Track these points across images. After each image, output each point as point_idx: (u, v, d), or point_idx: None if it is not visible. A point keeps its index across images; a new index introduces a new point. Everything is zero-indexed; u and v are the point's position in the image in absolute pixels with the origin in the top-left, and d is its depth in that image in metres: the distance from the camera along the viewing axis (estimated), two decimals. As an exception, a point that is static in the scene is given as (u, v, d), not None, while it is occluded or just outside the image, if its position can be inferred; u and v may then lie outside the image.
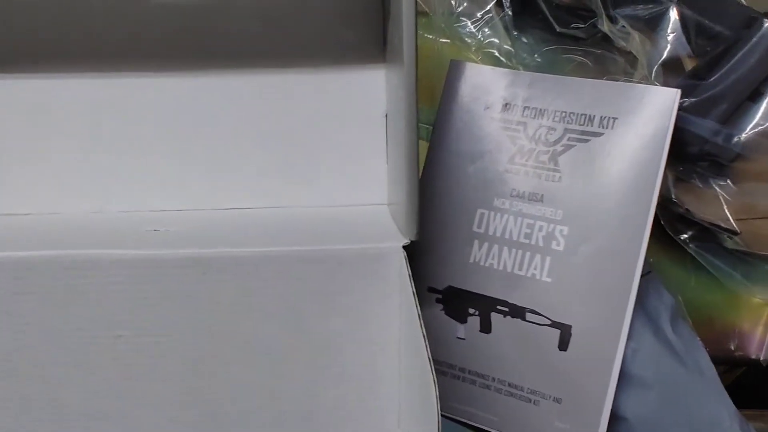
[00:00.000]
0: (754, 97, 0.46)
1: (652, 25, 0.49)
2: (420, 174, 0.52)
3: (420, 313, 0.39)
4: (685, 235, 0.51)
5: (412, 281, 0.40)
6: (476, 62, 0.53)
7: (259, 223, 0.48)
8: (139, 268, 0.42)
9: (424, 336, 0.37)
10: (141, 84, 0.48)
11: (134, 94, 0.48)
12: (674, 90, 0.45)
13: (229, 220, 0.49)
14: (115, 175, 0.49)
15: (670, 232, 0.51)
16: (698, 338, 0.48)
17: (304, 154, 0.50)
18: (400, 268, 0.42)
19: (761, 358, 0.52)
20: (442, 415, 0.49)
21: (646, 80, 0.49)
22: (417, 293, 0.50)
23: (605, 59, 0.54)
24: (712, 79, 0.46)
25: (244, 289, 0.42)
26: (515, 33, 0.54)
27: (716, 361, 0.49)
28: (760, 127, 0.46)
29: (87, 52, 0.47)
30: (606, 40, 0.53)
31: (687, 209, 0.49)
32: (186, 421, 0.44)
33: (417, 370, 0.38)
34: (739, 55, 0.46)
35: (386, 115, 0.49)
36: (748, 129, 0.46)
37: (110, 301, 0.42)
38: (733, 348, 0.52)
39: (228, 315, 0.43)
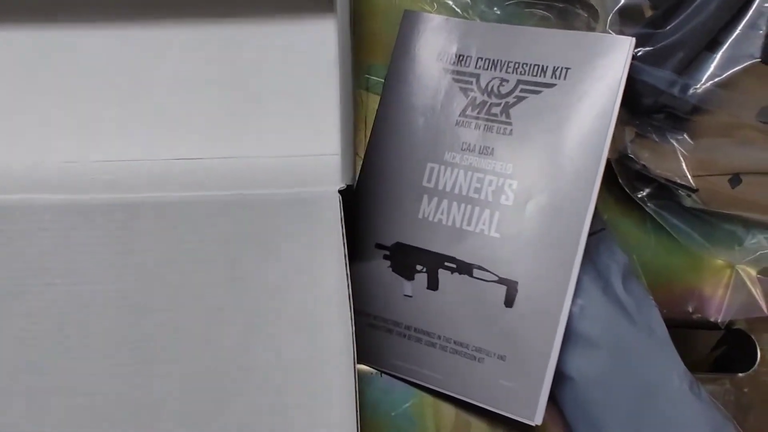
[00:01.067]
0: (712, 47, 0.44)
1: (611, -27, 0.47)
2: (372, 128, 0.51)
3: (347, 259, 0.37)
4: (643, 193, 0.50)
5: (343, 226, 0.39)
6: (432, 13, 0.52)
7: (200, 171, 0.47)
8: (69, 214, 0.40)
9: (347, 283, 0.36)
10: (79, 35, 0.47)
11: (72, 45, 0.47)
12: (628, 38, 0.44)
13: (173, 170, 0.47)
14: (56, 125, 0.47)
15: (627, 190, 0.50)
16: (651, 297, 0.46)
17: (253, 104, 0.48)
18: (334, 213, 0.40)
19: (719, 320, 0.50)
20: (387, 374, 0.49)
21: (605, 31, 0.47)
22: (365, 250, 0.49)
23: (568, 13, 0.53)
24: (668, 27, 0.44)
25: (174, 235, 0.40)
26: (474, -16, 0.52)
27: (674, 323, 0.48)
28: (717, 78, 0.44)
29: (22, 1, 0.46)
30: (568, -7, 0.51)
31: (644, 165, 0.47)
32: (121, 371, 0.43)
33: (343, 317, 0.37)
34: (697, 2, 0.44)
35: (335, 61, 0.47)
36: (704, 79, 0.44)
37: (40, 248, 0.41)
38: (691, 310, 0.51)
39: (160, 262, 0.41)
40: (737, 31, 0.44)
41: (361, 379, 0.48)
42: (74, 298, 0.41)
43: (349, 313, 0.35)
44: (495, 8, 0.52)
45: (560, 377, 0.44)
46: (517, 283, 0.44)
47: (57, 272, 0.41)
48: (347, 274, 0.36)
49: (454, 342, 0.46)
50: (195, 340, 0.42)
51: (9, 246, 0.40)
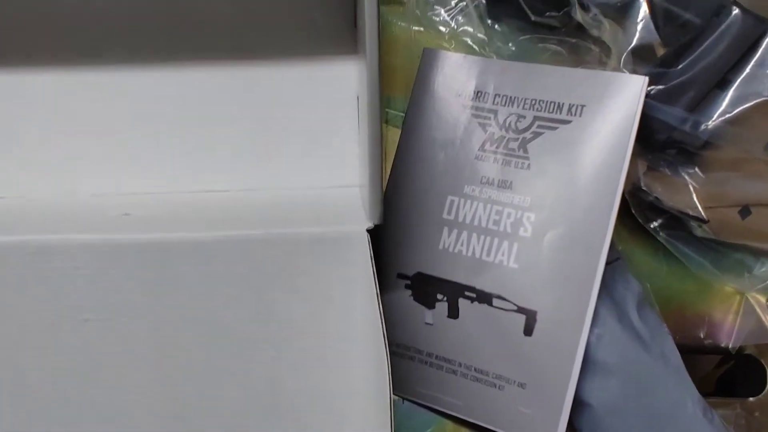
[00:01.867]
0: (722, 85, 0.46)
1: (623, 12, 0.49)
2: (392, 161, 0.53)
3: (379, 295, 0.39)
4: (655, 224, 0.51)
5: (373, 264, 0.41)
6: (450, 50, 0.53)
7: (229, 206, 0.48)
8: (104, 253, 0.42)
9: (381, 320, 0.38)
10: (112, 70, 0.49)
11: (105, 81, 0.49)
12: (642, 77, 0.45)
13: (201, 203, 0.49)
14: (88, 158, 0.49)
15: (640, 221, 0.51)
16: (665, 325, 0.48)
17: (277, 137, 0.50)
18: (363, 251, 0.42)
19: (730, 346, 0.52)
20: (409, 400, 0.50)
21: (619, 69, 0.49)
22: (386, 279, 0.51)
23: (580, 48, 0.54)
24: (680, 66, 0.46)
25: (206, 273, 0.42)
26: (489, 21, 0.54)
27: (686, 349, 0.50)
28: (727, 115, 0.46)
29: (55, 37, 0.48)
30: (580, 29, 0.52)
31: (656, 197, 0.49)
32: (152, 404, 0.44)
33: (375, 350, 0.39)
34: (708, 42, 0.46)
35: (358, 98, 0.49)
36: (715, 116, 0.46)
37: (76, 286, 0.42)
38: (702, 336, 0.53)
39: (192, 299, 0.43)
40: (746, 71, 0.46)
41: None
42: (108, 334, 0.43)
43: (384, 347, 0.36)
44: (510, 44, 0.54)
45: (578, 404, 0.45)
46: (536, 312, 0.46)
47: (91, 309, 0.42)
48: (380, 311, 0.38)
49: (475, 369, 0.48)
50: (225, 375, 0.43)
51: (46, 284, 0.42)
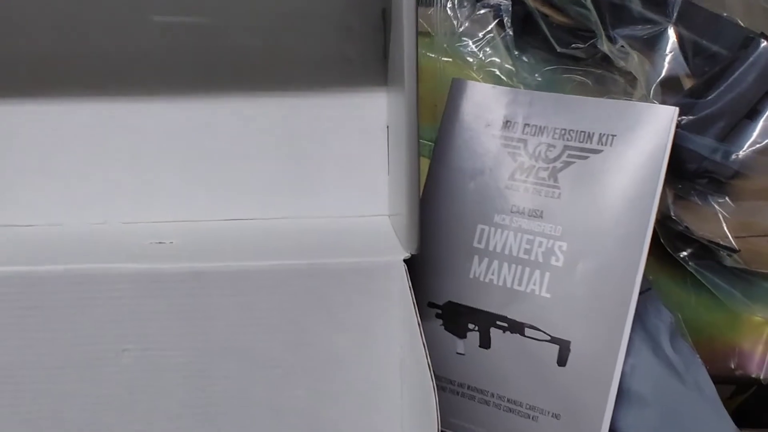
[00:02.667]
0: (752, 115, 0.47)
1: (651, 45, 0.49)
2: (422, 190, 0.53)
3: (421, 325, 0.39)
4: (685, 253, 0.51)
5: (412, 294, 0.41)
6: (478, 81, 0.54)
7: (262, 234, 0.49)
8: (143, 282, 0.42)
9: (425, 347, 0.37)
10: (145, 101, 0.49)
11: (138, 111, 0.49)
12: (672, 108, 0.46)
13: (233, 231, 0.49)
14: (120, 187, 0.50)
15: (669, 250, 0.51)
16: (698, 356, 0.48)
17: (307, 166, 0.51)
18: (401, 281, 0.42)
19: (761, 377, 0.52)
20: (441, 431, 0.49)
21: (645, 99, 0.50)
22: (417, 308, 0.50)
23: (605, 79, 0.55)
24: (709, 97, 0.47)
25: (245, 303, 0.42)
26: (516, 53, 0.55)
27: (717, 380, 0.49)
28: (758, 145, 0.46)
29: (90, 69, 0.49)
30: (606, 60, 0.53)
31: (686, 226, 0.49)
32: (188, 434, 0.44)
33: (418, 382, 0.39)
34: (737, 74, 0.46)
35: (387, 127, 0.50)
36: (746, 146, 0.47)
37: (116, 315, 0.42)
38: (733, 366, 0.52)
39: (230, 329, 0.43)
40: (776, 101, 0.47)
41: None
42: (145, 363, 0.43)
43: (431, 381, 0.36)
44: (536, 75, 0.55)
45: (614, 435, 0.45)
46: (569, 342, 0.46)
47: (131, 339, 0.42)
48: (424, 343, 0.37)
49: (508, 400, 0.47)
50: (261, 406, 0.43)
51: (87, 314, 0.42)
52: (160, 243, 0.46)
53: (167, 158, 0.50)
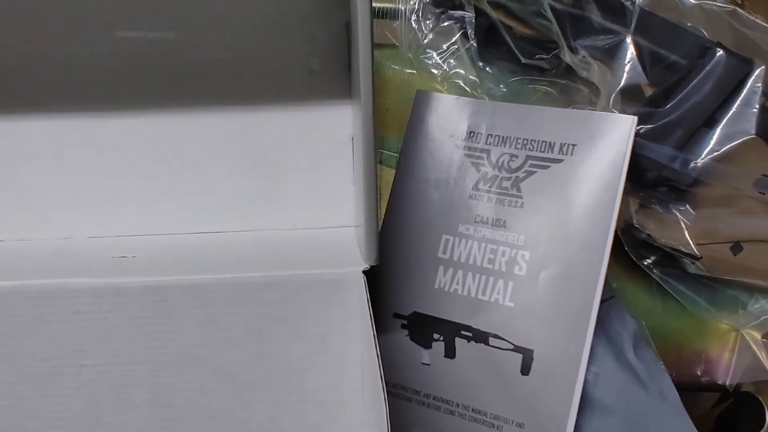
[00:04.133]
0: (710, 124, 0.47)
1: (611, 54, 0.50)
2: (387, 201, 0.53)
3: (375, 336, 0.39)
4: (649, 261, 0.52)
5: (369, 306, 0.41)
6: (442, 92, 0.54)
7: (226, 247, 0.49)
8: (102, 296, 0.42)
9: (378, 358, 0.38)
10: (110, 115, 0.49)
11: (103, 126, 0.49)
12: (631, 117, 0.46)
13: (198, 245, 0.49)
14: (85, 201, 0.50)
15: (633, 258, 0.52)
16: (661, 363, 0.48)
17: (273, 179, 0.51)
18: (359, 293, 0.42)
19: (728, 383, 0.52)
20: (406, 442, 0.49)
21: (607, 109, 0.50)
22: (382, 319, 0.51)
23: (570, 89, 0.56)
24: (668, 106, 0.47)
25: (205, 316, 0.42)
26: (481, 64, 0.55)
27: (683, 387, 0.50)
28: (715, 153, 0.47)
29: (54, 83, 0.48)
30: (570, 71, 0.54)
31: (649, 234, 0.50)
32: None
33: (373, 392, 0.39)
34: (694, 83, 0.47)
35: (352, 139, 0.50)
36: (704, 154, 0.47)
37: (74, 330, 0.42)
38: (699, 373, 0.53)
39: (190, 342, 0.43)
40: (733, 109, 0.47)
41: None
42: (107, 378, 0.42)
43: (382, 389, 0.36)
44: (501, 85, 0.55)
45: (578, 444, 0.45)
46: (532, 351, 0.46)
47: (90, 354, 0.42)
48: (377, 354, 0.38)
49: (473, 410, 0.47)
50: (224, 419, 0.43)
51: (45, 329, 0.41)
52: (122, 257, 0.46)
53: (133, 172, 0.50)
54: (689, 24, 0.50)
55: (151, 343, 0.42)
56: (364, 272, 0.42)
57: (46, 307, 0.41)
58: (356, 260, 0.43)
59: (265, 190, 0.51)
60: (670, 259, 0.51)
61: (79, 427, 0.42)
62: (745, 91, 0.47)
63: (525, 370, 0.46)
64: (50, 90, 0.49)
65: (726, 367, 0.52)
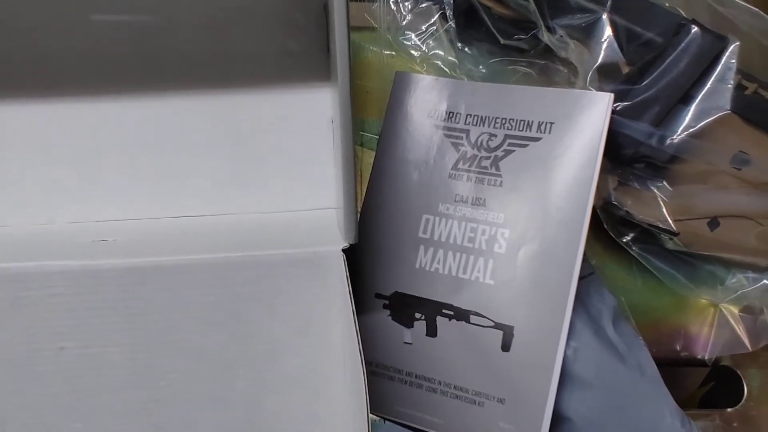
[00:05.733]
0: (685, 100, 0.47)
1: (587, 33, 0.50)
2: (367, 183, 0.53)
3: (355, 314, 0.39)
4: (628, 238, 0.52)
5: (349, 283, 0.41)
6: (422, 73, 0.54)
7: (207, 230, 0.49)
8: (81, 279, 0.42)
9: (357, 334, 0.38)
10: (87, 100, 0.49)
11: (81, 111, 0.49)
12: (607, 94, 0.47)
13: (179, 228, 0.49)
14: (65, 187, 0.49)
15: (613, 235, 0.52)
16: (640, 337, 0.48)
17: (254, 162, 0.51)
18: (339, 271, 0.42)
19: (706, 357, 0.53)
20: (389, 420, 0.50)
21: (585, 87, 0.50)
22: (364, 300, 0.51)
23: (549, 69, 0.56)
24: (644, 83, 0.48)
25: (182, 297, 0.42)
26: (460, 45, 0.55)
27: (663, 362, 0.50)
28: (691, 129, 0.47)
29: (30, 68, 0.48)
30: (549, 51, 0.54)
31: (627, 211, 0.50)
32: (130, 430, 0.44)
33: (353, 369, 0.39)
34: (669, 60, 0.47)
35: (332, 121, 0.50)
36: (680, 130, 0.47)
37: (53, 313, 0.42)
38: (679, 349, 0.53)
39: (169, 323, 0.43)
40: (708, 85, 0.47)
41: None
42: (86, 361, 0.42)
43: (361, 366, 0.36)
44: (480, 66, 0.55)
45: (558, 418, 0.46)
46: (512, 327, 0.46)
47: (69, 336, 0.42)
48: (357, 330, 0.38)
49: (454, 387, 0.48)
50: (204, 399, 0.43)
51: (23, 312, 0.41)
52: (102, 241, 0.46)
53: (112, 157, 0.50)
54: (666, 3, 0.51)
55: (129, 325, 0.43)
56: (343, 251, 0.42)
57: (24, 290, 0.41)
58: (336, 240, 0.43)
59: (246, 174, 0.51)
60: (649, 236, 0.52)
61: (59, 410, 0.43)
62: (719, 67, 0.47)
63: (505, 346, 0.46)
64: (27, 75, 0.49)
65: (705, 341, 0.53)
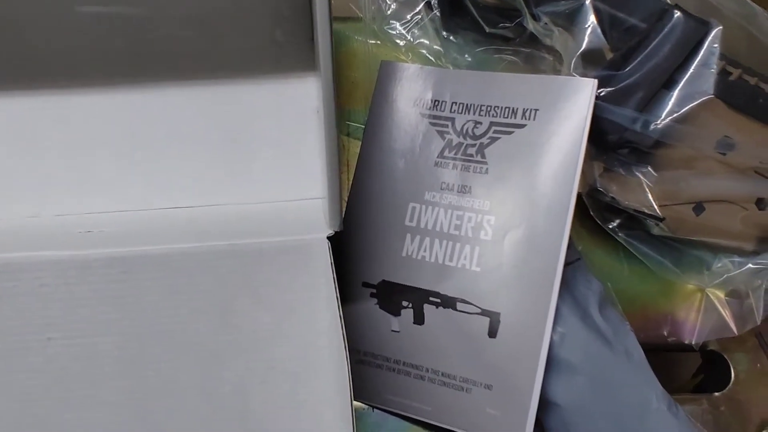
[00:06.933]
0: (669, 85, 0.48)
1: (571, 20, 0.50)
2: (354, 172, 0.53)
3: (339, 301, 0.39)
4: (614, 224, 0.52)
5: (333, 271, 0.41)
6: (407, 62, 0.55)
7: (195, 221, 0.49)
8: (68, 269, 0.42)
9: (341, 320, 0.38)
10: (75, 92, 0.49)
11: (69, 103, 0.49)
12: (591, 80, 0.47)
13: (167, 219, 0.49)
14: (53, 179, 0.49)
15: (599, 222, 0.52)
16: (627, 323, 0.49)
17: (242, 153, 0.51)
18: (324, 259, 0.42)
19: (693, 342, 0.53)
20: (379, 408, 0.50)
21: (569, 73, 0.51)
22: (352, 288, 0.51)
23: (534, 57, 0.56)
24: (627, 69, 0.48)
25: (169, 287, 0.42)
26: (445, 34, 0.55)
27: (650, 347, 0.50)
28: (675, 114, 0.47)
29: (17, 61, 0.48)
30: (534, 39, 0.54)
31: (612, 197, 0.50)
32: (120, 420, 0.44)
33: (338, 356, 0.39)
34: (653, 45, 0.47)
35: (318, 111, 0.50)
36: (664, 115, 0.47)
37: (40, 304, 0.42)
38: (666, 334, 0.53)
39: (156, 313, 0.43)
40: (691, 70, 0.47)
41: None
42: (75, 351, 0.42)
43: (345, 354, 0.36)
44: (466, 55, 0.56)
45: (545, 403, 0.46)
46: (499, 314, 0.47)
47: (58, 327, 0.42)
48: (340, 317, 0.38)
49: (442, 374, 0.48)
50: (192, 388, 0.43)
51: (11, 303, 0.41)
52: (88, 232, 0.46)
53: (100, 149, 0.50)
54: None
55: (117, 315, 0.43)
56: (328, 239, 0.43)
57: (11, 281, 0.41)
58: (321, 228, 0.44)
59: (233, 165, 0.51)
60: (635, 222, 0.52)
61: (49, 401, 0.43)
62: (702, 52, 0.47)
63: (492, 332, 0.47)
64: (13, 67, 0.49)
65: (692, 326, 0.53)
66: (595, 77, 0.47)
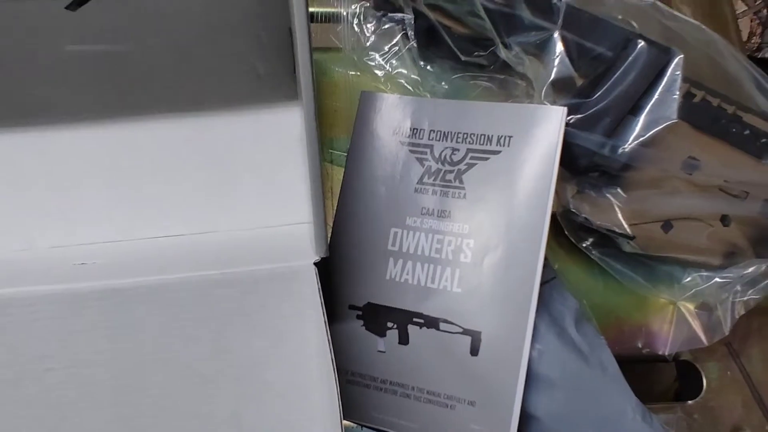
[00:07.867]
0: (635, 111, 0.50)
1: (541, 49, 0.53)
2: (338, 198, 0.55)
3: (327, 324, 0.41)
4: (587, 243, 0.55)
5: (321, 296, 0.43)
6: (386, 92, 0.57)
7: (184, 250, 0.50)
8: (63, 303, 0.43)
9: (329, 343, 0.40)
10: (62, 127, 0.50)
11: (56, 138, 0.50)
12: (561, 108, 0.49)
13: (157, 249, 0.51)
14: (43, 213, 0.51)
15: (573, 241, 0.55)
16: (602, 337, 0.51)
17: (227, 181, 0.53)
18: (312, 284, 0.44)
19: (666, 353, 0.55)
20: (366, 426, 0.52)
21: (540, 101, 0.53)
22: (339, 311, 0.53)
23: (508, 83, 0.59)
24: (595, 96, 0.50)
25: (164, 316, 0.44)
26: (422, 63, 0.58)
27: (626, 359, 0.52)
28: (641, 138, 0.50)
29: (5, 98, 0.50)
30: (507, 66, 0.56)
31: (585, 217, 0.53)
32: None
33: (327, 378, 0.41)
34: (619, 73, 0.50)
35: (301, 139, 0.52)
36: (631, 140, 0.50)
37: (37, 336, 0.43)
38: (641, 346, 0.56)
39: (152, 341, 0.44)
40: (655, 96, 0.50)
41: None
42: (70, 381, 0.44)
43: (334, 375, 0.38)
44: (443, 83, 0.58)
45: (526, 417, 0.48)
46: (480, 333, 0.49)
47: (53, 358, 0.43)
48: (329, 340, 0.40)
49: (427, 392, 0.50)
50: (187, 414, 0.45)
51: (6, 337, 0.43)
52: (82, 264, 0.47)
53: (87, 182, 0.51)
54: (620, 17, 0.53)
55: (112, 345, 0.44)
56: (315, 264, 0.44)
57: (5, 315, 0.43)
58: (308, 254, 0.45)
59: (220, 193, 0.53)
60: (607, 240, 0.54)
61: (46, 430, 0.44)
62: (665, 78, 0.50)
63: (474, 351, 0.49)
64: (2, 105, 0.50)
65: (665, 338, 0.56)
66: (564, 105, 0.50)
